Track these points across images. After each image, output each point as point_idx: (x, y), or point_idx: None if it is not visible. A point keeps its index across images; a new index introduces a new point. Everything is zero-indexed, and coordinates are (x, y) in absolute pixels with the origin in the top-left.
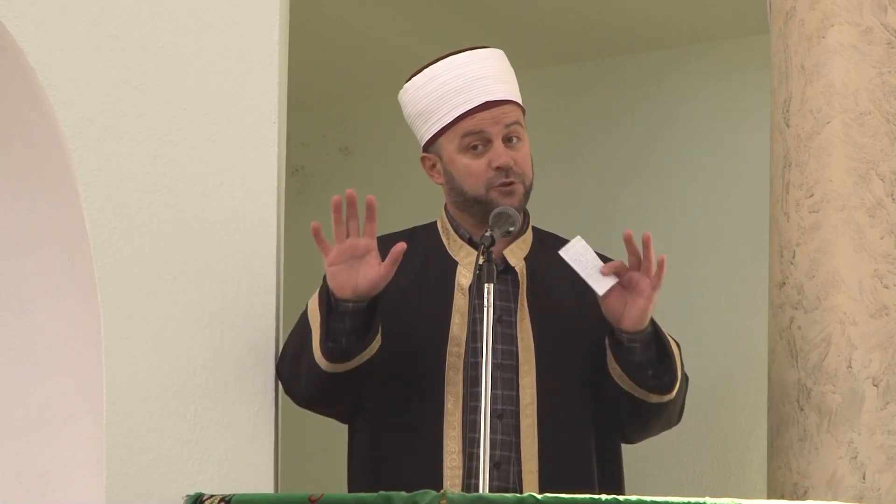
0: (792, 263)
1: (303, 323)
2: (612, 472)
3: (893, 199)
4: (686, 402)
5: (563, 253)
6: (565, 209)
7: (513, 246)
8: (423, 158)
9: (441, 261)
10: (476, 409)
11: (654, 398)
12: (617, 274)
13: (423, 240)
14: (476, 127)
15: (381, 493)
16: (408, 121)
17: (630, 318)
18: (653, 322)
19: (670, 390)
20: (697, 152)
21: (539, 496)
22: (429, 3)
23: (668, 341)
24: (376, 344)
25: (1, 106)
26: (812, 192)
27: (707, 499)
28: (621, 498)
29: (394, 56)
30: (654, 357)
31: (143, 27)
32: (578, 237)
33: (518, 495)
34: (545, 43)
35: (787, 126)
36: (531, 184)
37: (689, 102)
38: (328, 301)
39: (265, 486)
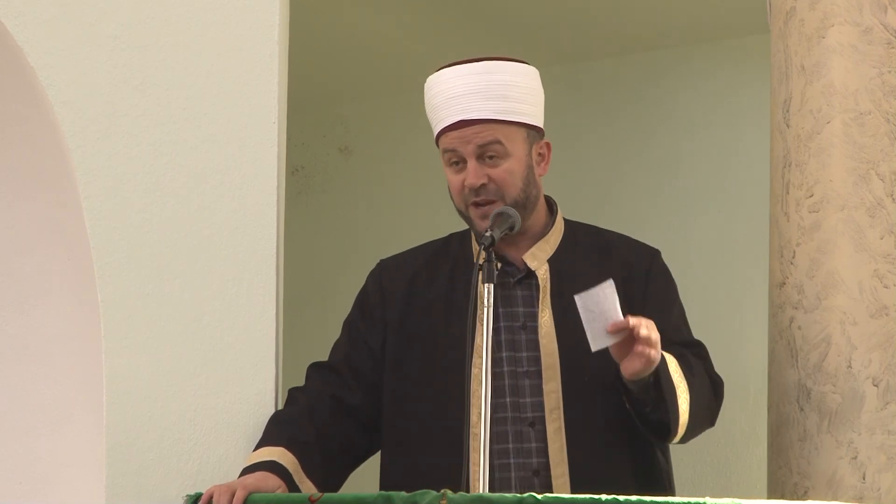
0: (792, 263)
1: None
2: (654, 474)
3: (893, 199)
4: (719, 405)
5: (577, 297)
6: (565, 209)
7: (534, 249)
8: None
9: (467, 269)
10: (502, 421)
11: (652, 436)
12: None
13: (455, 248)
14: (450, 146)
15: (381, 493)
16: None
17: (626, 369)
18: (658, 372)
19: (666, 435)
20: (697, 152)
21: (539, 496)
22: (429, 3)
23: (674, 392)
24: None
25: (1, 106)
26: (812, 192)
27: (707, 499)
28: (621, 498)
29: (394, 56)
30: (653, 399)
31: (143, 27)
32: (610, 283)
33: (518, 495)
34: (545, 43)
35: (787, 126)
36: (521, 198)
37: (689, 102)
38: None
39: None
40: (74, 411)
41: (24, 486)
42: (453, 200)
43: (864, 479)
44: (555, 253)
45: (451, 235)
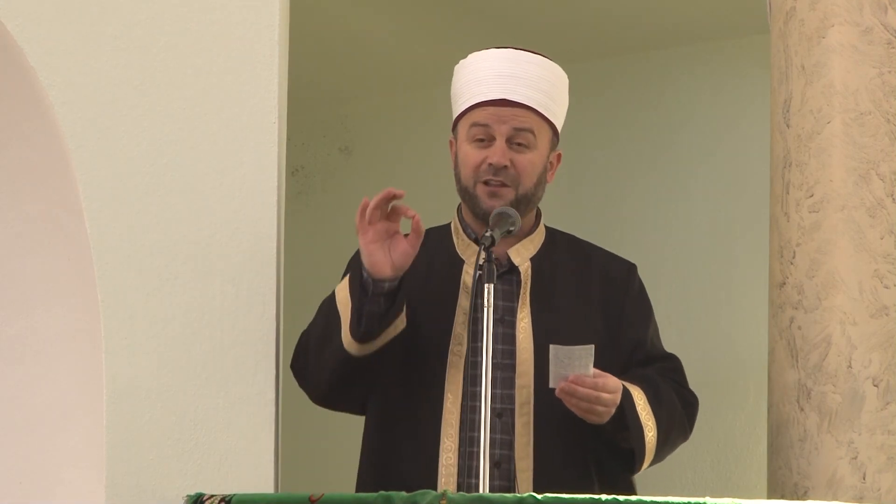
0: (792, 263)
1: (327, 312)
2: (617, 475)
3: (893, 199)
4: (692, 423)
5: (552, 348)
6: (566, 209)
7: (518, 246)
8: (450, 141)
9: (450, 259)
10: (475, 409)
11: (618, 466)
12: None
13: (435, 239)
14: (482, 119)
15: (381, 493)
16: None
17: (581, 416)
18: (623, 411)
19: (631, 466)
20: (697, 152)
21: (539, 496)
22: (429, 3)
23: (641, 429)
24: (402, 323)
25: (1, 106)
26: (812, 192)
27: (707, 499)
28: (621, 498)
29: (394, 56)
30: (611, 433)
31: (143, 27)
32: (590, 349)
33: (518, 495)
34: (545, 43)
35: (787, 126)
36: (530, 193)
37: (689, 102)
38: (361, 285)
39: (265, 486)
40: (74, 411)
41: (24, 486)
42: (459, 175)
43: (864, 479)
44: (537, 253)
45: (429, 230)
